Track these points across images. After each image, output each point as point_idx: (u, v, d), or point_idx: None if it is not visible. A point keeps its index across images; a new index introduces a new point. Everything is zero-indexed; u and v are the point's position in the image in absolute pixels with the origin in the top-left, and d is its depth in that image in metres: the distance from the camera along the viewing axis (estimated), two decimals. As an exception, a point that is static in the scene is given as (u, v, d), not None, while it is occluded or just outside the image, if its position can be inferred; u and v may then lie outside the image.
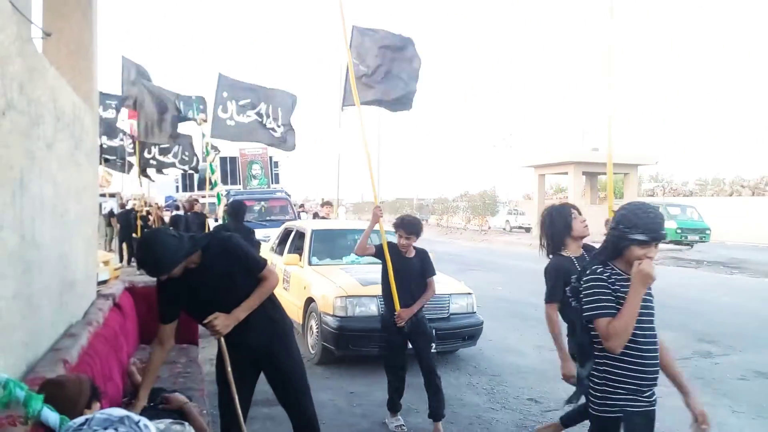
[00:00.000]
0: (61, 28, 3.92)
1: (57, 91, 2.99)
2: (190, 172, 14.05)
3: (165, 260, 2.63)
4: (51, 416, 1.92)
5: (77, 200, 3.56)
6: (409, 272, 4.31)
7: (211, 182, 10.03)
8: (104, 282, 7.35)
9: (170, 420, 2.60)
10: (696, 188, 35.15)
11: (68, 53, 4.00)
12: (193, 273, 2.79)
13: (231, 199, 13.85)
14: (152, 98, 8.41)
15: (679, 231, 21.98)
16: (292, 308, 6.47)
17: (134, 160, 12.41)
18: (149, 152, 12.12)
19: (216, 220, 10.76)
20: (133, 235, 13.51)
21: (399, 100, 5.14)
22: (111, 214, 17.00)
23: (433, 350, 4.35)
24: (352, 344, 5.60)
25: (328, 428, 4.21)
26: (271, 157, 16.32)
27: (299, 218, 14.11)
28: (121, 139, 11.99)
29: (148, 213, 13.69)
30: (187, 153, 12.60)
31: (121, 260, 13.27)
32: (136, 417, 1.73)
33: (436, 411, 4.15)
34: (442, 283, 5.72)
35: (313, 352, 6.06)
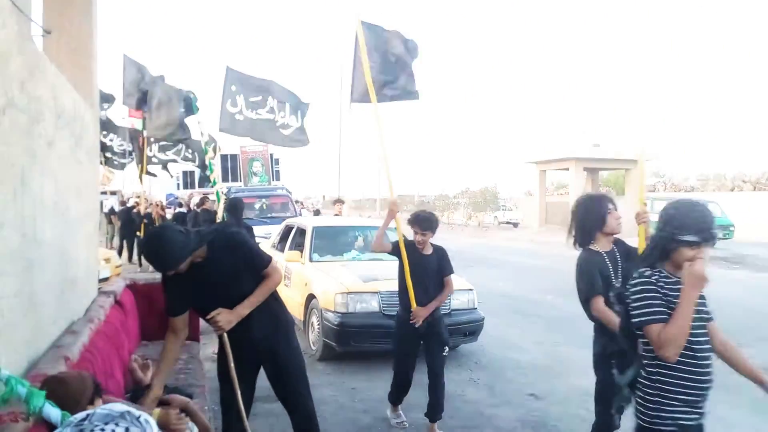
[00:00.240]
0: (61, 26, 3.93)
1: (57, 89, 3.00)
2: (193, 169, 14.04)
3: (172, 256, 2.64)
4: (53, 412, 1.93)
5: (78, 198, 3.57)
6: (426, 270, 4.18)
7: (210, 180, 10.03)
8: (105, 279, 7.37)
9: None
10: (697, 184, 35.10)
11: (69, 51, 4.01)
12: (198, 267, 2.80)
13: (231, 197, 13.89)
14: (161, 96, 8.41)
15: None
16: (294, 305, 6.48)
17: (133, 157, 12.40)
18: (150, 150, 12.12)
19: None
20: (137, 233, 13.51)
21: (405, 91, 5.04)
22: (112, 211, 17.01)
23: (444, 353, 4.21)
24: (353, 340, 5.61)
25: (329, 424, 4.22)
26: (272, 155, 16.30)
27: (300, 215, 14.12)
28: (111, 140, 11.94)
29: (145, 213, 13.69)
30: (190, 150, 12.60)
31: (121, 257, 13.28)
32: (137, 412, 1.74)
33: (434, 412, 4.12)
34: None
35: (314, 348, 6.08)
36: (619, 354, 2.42)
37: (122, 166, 13.00)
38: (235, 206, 6.89)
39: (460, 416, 4.50)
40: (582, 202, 3.31)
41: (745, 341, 6.72)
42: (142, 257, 11.33)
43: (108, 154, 12.15)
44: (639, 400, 2.21)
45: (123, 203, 15.69)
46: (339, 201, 11.04)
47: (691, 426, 2.13)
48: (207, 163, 9.90)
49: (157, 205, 13.99)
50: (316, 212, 15.65)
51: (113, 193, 19.71)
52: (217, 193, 9.02)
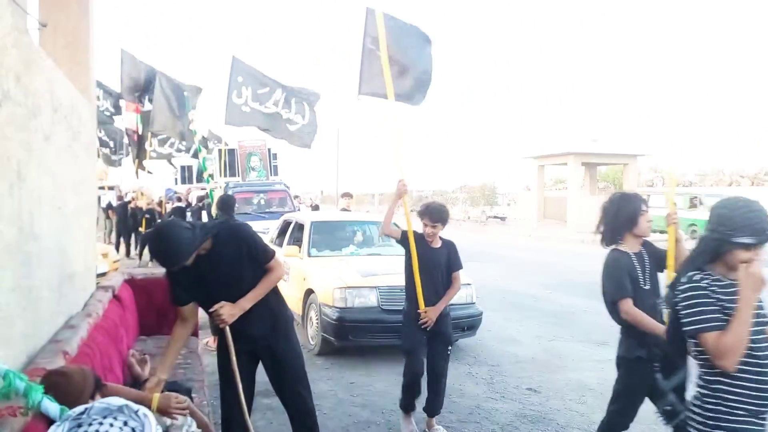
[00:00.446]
0: (57, 19, 3.90)
1: (54, 83, 2.98)
2: (191, 164, 14.00)
3: (179, 253, 2.64)
4: (51, 407, 1.92)
5: (76, 192, 3.56)
6: (436, 264, 4.02)
7: (204, 178, 10.05)
8: (103, 274, 7.36)
9: None
10: (696, 179, 35.13)
11: (65, 44, 3.98)
12: (202, 259, 2.80)
13: (230, 192, 13.86)
14: (165, 91, 8.39)
15: None
16: (292, 299, 6.48)
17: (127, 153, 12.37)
18: (150, 144, 12.08)
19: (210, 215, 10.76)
20: (140, 228, 13.49)
21: (412, 92, 4.75)
22: (109, 206, 16.98)
23: (448, 352, 4.13)
24: (351, 335, 5.62)
25: (328, 418, 4.23)
26: (269, 149, 16.27)
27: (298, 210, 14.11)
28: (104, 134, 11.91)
29: (147, 209, 13.69)
30: (184, 141, 12.57)
31: (118, 252, 13.27)
32: (135, 406, 1.74)
33: (433, 407, 4.09)
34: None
35: (312, 343, 6.08)
36: (664, 358, 2.33)
37: (115, 163, 12.94)
38: (226, 203, 6.88)
39: (459, 410, 4.51)
40: (614, 200, 3.20)
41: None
42: (147, 253, 11.32)
43: (105, 150, 12.13)
44: (695, 411, 2.08)
45: (120, 198, 15.67)
46: (347, 194, 10.77)
47: None
48: (201, 160, 9.89)
49: (158, 204, 14.00)
50: (315, 207, 15.61)
51: (111, 188, 19.63)
52: (210, 192, 9.01)
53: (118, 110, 10.59)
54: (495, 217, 33.72)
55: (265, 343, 3.05)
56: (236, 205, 7.45)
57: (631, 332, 3.03)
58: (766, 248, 2.04)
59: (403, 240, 4.06)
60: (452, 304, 5.90)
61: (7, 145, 2.22)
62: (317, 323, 5.96)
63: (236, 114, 6.39)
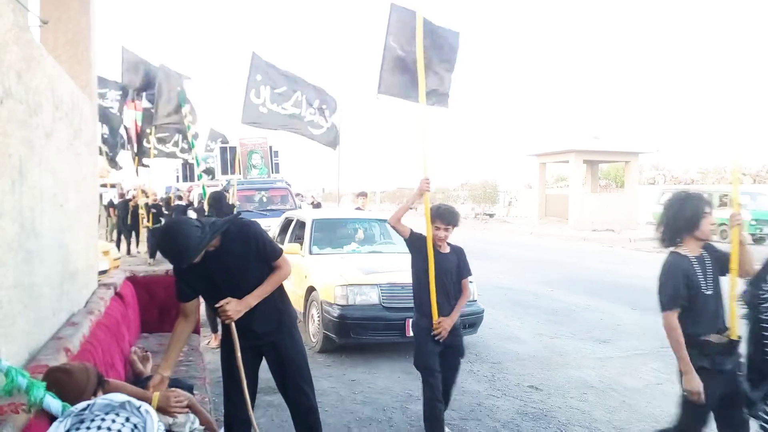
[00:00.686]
0: (58, 17, 3.90)
1: (55, 80, 2.98)
2: (193, 162, 13.96)
3: (188, 251, 2.65)
4: (53, 404, 1.93)
5: (77, 190, 3.56)
6: (447, 270, 3.78)
7: (208, 174, 10.03)
8: (104, 272, 7.37)
9: None
10: (697, 176, 35.09)
11: (66, 42, 3.98)
12: (210, 256, 2.80)
13: (214, 191, 13.82)
14: (166, 86, 8.39)
15: (753, 222, 18.06)
16: (294, 297, 6.48)
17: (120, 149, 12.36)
18: (148, 142, 12.08)
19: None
20: (147, 225, 13.50)
21: (434, 93, 4.45)
22: (110, 204, 16.99)
23: (459, 363, 3.93)
24: (353, 332, 5.62)
25: (330, 416, 4.24)
26: (270, 147, 16.27)
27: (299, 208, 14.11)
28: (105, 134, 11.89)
29: (153, 204, 13.68)
30: (186, 141, 12.57)
31: (120, 250, 13.28)
32: (137, 402, 1.74)
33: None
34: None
35: (314, 340, 6.09)
36: (750, 365, 2.23)
37: (113, 160, 12.91)
38: (218, 200, 6.87)
39: (460, 408, 4.51)
40: (676, 200, 3.00)
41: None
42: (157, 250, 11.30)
43: (105, 147, 12.13)
44: None
45: (122, 195, 15.68)
46: (362, 194, 10.43)
47: None
48: (194, 157, 9.88)
49: (167, 201, 14.00)
50: (317, 205, 15.59)
51: (113, 185, 19.66)
52: (203, 188, 9.02)
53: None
54: (485, 214, 34.12)
55: (269, 339, 3.06)
56: (238, 203, 7.43)
57: (690, 340, 2.84)
58: None
59: (413, 240, 3.82)
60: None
61: (9, 142, 2.23)
62: (319, 321, 5.96)
63: (254, 114, 6.31)
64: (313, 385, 3.20)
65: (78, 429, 1.76)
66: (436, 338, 3.69)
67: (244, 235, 2.89)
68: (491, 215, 33.61)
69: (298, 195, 16.67)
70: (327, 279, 5.98)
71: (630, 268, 12.94)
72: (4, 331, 2.18)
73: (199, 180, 9.63)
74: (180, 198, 15.44)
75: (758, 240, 18.54)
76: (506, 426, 4.19)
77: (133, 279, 4.76)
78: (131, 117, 11.00)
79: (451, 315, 3.73)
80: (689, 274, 2.86)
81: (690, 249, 2.95)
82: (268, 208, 13.46)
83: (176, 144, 12.48)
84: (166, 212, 13.65)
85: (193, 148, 9.57)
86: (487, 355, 6.01)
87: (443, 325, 3.67)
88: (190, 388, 3.22)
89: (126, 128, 11.75)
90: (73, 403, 1.90)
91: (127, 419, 1.76)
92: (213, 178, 17.00)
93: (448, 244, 3.89)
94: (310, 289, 6.28)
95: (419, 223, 4.04)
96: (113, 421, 1.74)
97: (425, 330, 3.72)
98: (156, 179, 16.94)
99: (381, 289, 5.71)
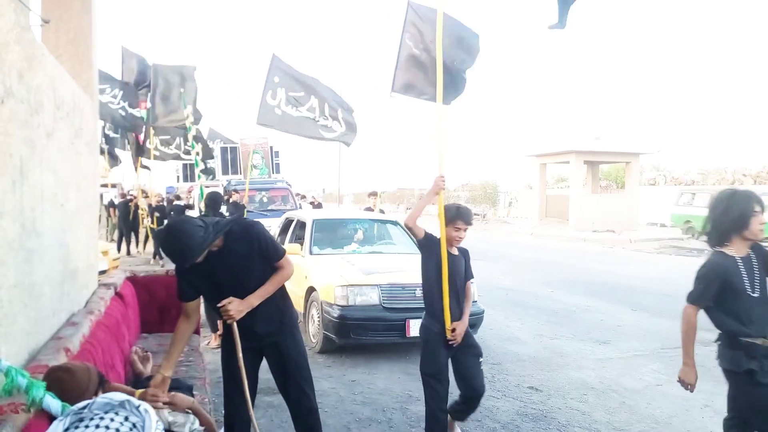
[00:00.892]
0: (60, 16, 3.90)
1: (56, 80, 2.98)
2: (202, 165, 13.95)
3: (191, 251, 2.65)
4: (53, 403, 1.93)
5: (78, 190, 3.56)
6: (457, 273, 3.66)
7: (210, 174, 10.05)
8: (102, 272, 7.37)
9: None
10: (698, 177, 35.07)
11: (67, 41, 3.98)
12: (213, 255, 2.80)
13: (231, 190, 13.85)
14: (163, 85, 8.40)
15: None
16: (294, 297, 6.46)
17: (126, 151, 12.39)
18: (150, 142, 12.09)
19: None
20: (151, 226, 13.53)
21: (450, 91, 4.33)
22: (111, 204, 16.99)
23: (480, 366, 3.75)
24: (353, 333, 5.62)
25: (329, 416, 4.23)
26: (271, 147, 16.27)
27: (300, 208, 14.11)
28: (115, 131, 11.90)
29: (157, 205, 13.72)
30: (190, 144, 12.58)
31: (119, 250, 13.29)
32: (136, 402, 1.75)
33: (464, 416, 3.88)
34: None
35: (314, 341, 6.09)
36: None
37: (112, 155, 12.92)
38: (214, 200, 6.86)
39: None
40: (723, 198, 2.88)
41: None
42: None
43: (107, 147, 12.16)
44: None
45: (124, 195, 15.69)
46: (373, 194, 10.31)
47: None
48: (193, 158, 9.92)
49: (170, 202, 14.02)
50: (318, 206, 15.58)
51: (113, 185, 19.66)
52: (201, 188, 9.03)
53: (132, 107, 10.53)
54: (475, 214, 34.34)
55: (271, 340, 3.06)
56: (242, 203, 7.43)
57: (734, 342, 2.75)
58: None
59: (426, 242, 3.67)
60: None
61: (10, 141, 2.23)
62: (319, 321, 5.96)
63: (269, 115, 6.31)
64: (313, 385, 3.20)
65: (77, 427, 1.76)
66: (450, 343, 3.58)
67: (247, 235, 2.89)
68: (483, 215, 33.53)
69: (302, 196, 16.68)
70: (327, 279, 5.98)
71: (630, 269, 12.94)
72: (5, 330, 2.18)
73: (198, 180, 9.65)
74: (178, 198, 15.46)
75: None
76: (506, 427, 4.19)
77: (133, 279, 4.76)
78: (138, 116, 11.02)
79: (462, 319, 3.64)
80: (731, 275, 2.77)
81: (736, 249, 2.84)
82: (269, 208, 13.46)
83: (179, 147, 12.49)
84: (170, 213, 13.68)
85: (193, 149, 9.58)
86: (487, 356, 5.99)
87: (459, 330, 3.57)
88: (189, 389, 3.22)
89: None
90: (73, 403, 1.91)
91: (126, 418, 1.77)
92: (213, 178, 17.01)
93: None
94: (310, 290, 6.28)
95: (436, 224, 3.82)
96: (112, 420, 1.74)
97: (438, 335, 3.60)
98: (156, 179, 16.98)
99: (381, 290, 5.70)
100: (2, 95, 2.12)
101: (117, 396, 1.74)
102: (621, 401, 4.71)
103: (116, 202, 16.13)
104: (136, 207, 14.20)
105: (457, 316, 3.63)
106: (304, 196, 18.62)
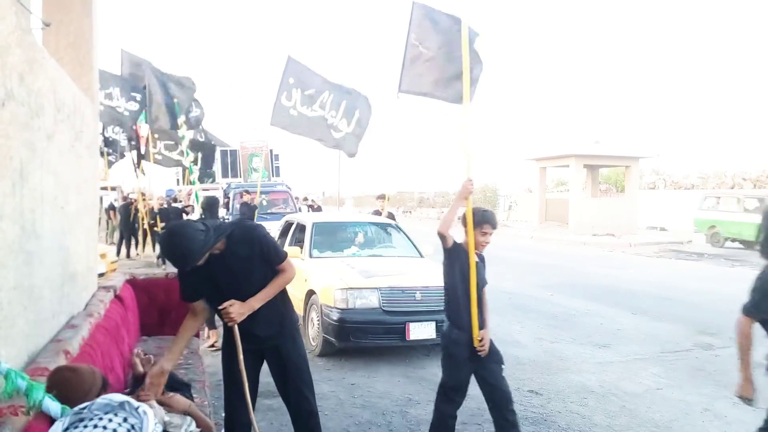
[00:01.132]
0: (60, 19, 3.91)
1: (57, 83, 2.99)
2: (197, 173, 14.01)
3: (191, 255, 2.65)
4: (52, 406, 1.93)
5: (78, 192, 3.56)
6: (481, 279, 3.58)
7: (190, 181, 10.12)
8: (101, 275, 7.36)
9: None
10: (698, 181, 35.09)
11: (68, 44, 3.99)
12: (215, 258, 2.80)
13: (231, 194, 13.88)
14: (157, 89, 8.42)
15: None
16: (293, 300, 6.45)
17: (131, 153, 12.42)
18: (155, 146, 12.10)
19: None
20: (155, 228, 13.55)
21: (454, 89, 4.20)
22: (111, 207, 16.99)
23: (503, 373, 3.61)
24: (352, 336, 5.62)
25: (329, 420, 4.23)
26: (271, 150, 16.31)
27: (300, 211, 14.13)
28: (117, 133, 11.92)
29: (160, 209, 13.72)
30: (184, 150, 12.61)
31: (119, 253, 13.28)
32: (135, 403, 1.75)
33: None
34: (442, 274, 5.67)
35: (314, 344, 6.08)
36: None
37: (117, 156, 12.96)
38: (211, 204, 6.86)
39: (461, 412, 4.47)
40: None
41: None
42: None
43: (109, 150, 12.18)
44: None
45: (125, 198, 15.69)
46: (381, 197, 10.19)
47: None
48: (188, 165, 9.96)
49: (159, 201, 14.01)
50: (317, 209, 15.60)
51: (113, 188, 19.67)
52: (196, 194, 9.07)
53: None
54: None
55: (272, 343, 3.06)
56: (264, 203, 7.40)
57: None
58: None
59: (455, 249, 3.54)
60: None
61: (10, 144, 2.23)
62: (318, 324, 5.96)
63: (284, 116, 6.30)
64: (314, 389, 3.20)
65: (77, 427, 1.77)
66: (479, 353, 3.47)
67: (248, 238, 2.89)
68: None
69: (304, 199, 16.70)
70: (327, 282, 5.98)
71: (630, 272, 12.93)
72: (4, 333, 2.18)
73: (193, 186, 9.70)
74: (176, 200, 15.47)
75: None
76: (506, 431, 4.17)
77: (132, 282, 4.76)
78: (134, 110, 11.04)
79: (486, 327, 3.56)
80: None
81: None
82: (269, 211, 13.47)
83: (182, 153, 12.53)
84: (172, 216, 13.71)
85: (187, 156, 9.65)
86: (487, 360, 6.00)
87: (486, 339, 3.47)
88: (188, 387, 3.22)
89: (134, 129, 11.83)
90: (76, 404, 1.91)
91: (125, 419, 1.77)
92: (213, 181, 17.03)
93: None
94: (310, 293, 6.28)
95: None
96: (110, 420, 1.75)
97: (464, 347, 3.47)
98: (156, 182, 16.98)
99: (381, 293, 5.70)
100: (3, 98, 2.12)
101: (117, 397, 1.74)
102: (621, 405, 4.70)
103: (117, 205, 16.13)
104: (136, 210, 14.20)
105: (481, 324, 3.53)
106: (305, 199, 18.64)
